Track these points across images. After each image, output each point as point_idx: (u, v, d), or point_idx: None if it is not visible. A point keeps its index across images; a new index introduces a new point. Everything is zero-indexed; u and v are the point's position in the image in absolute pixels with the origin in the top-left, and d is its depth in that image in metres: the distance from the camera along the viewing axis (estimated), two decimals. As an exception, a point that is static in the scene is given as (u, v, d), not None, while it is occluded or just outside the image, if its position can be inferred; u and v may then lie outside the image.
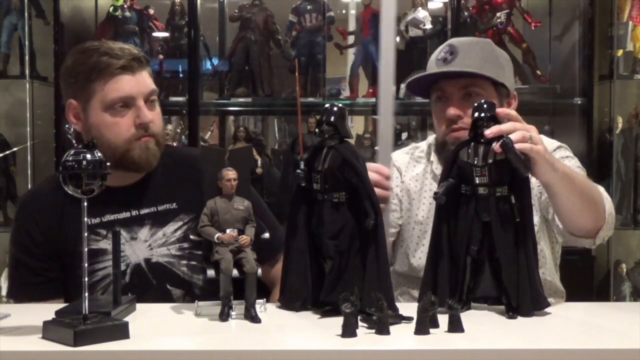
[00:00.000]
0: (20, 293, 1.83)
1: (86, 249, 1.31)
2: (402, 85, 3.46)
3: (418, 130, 3.60)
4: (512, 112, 1.57)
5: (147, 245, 1.81)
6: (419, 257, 1.94)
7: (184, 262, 1.81)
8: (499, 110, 1.52)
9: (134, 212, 1.81)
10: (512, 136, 1.47)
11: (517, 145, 1.46)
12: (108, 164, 1.29)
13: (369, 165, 1.60)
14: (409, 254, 1.96)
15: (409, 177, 2.02)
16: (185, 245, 1.81)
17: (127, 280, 1.78)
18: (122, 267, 1.76)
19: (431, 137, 2.04)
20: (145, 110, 1.76)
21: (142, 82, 1.77)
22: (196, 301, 1.46)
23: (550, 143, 1.85)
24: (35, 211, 1.82)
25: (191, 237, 1.52)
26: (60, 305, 1.46)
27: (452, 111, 1.87)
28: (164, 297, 1.77)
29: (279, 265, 1.56)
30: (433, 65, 1.93)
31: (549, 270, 1.92)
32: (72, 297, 1.74)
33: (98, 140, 1.71)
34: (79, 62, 1.79)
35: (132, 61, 1.76)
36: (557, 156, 1.78)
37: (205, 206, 1.45)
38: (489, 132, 1.48)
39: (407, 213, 1.98)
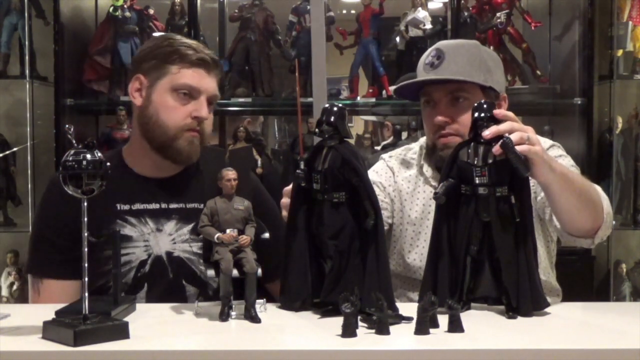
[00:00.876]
0: (41, 269, 1.83)
1: (86, 249, 1.31)
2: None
3: (418, 130, 3.60)
4: (509, 113, 1.57)
5: (171, 239, 1.82)
6: (414, 257, 1.93)
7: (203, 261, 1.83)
8: (496, 111, 1.52)
9: (163, 205, 1.83)
10: (511, 137, 1.47)
11: (519, 147, 1.46)
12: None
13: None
14: (403, 254, 1.96)
15: (401, 177, 2.02)
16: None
17: (147, 270, 1.80)
18: (144, 256, 1.80)
19: (423, 139, 2.04)
20: (205, 107, 1.83)
21: (211, 83, 1.85)
22: (196, 301, 1.47)
23: (543, 142, 1.85)
24: (64, 190, 1.84)
25: (191, 237, 1.52)
26: (59, 306, 1.45)
27: (439, 118, 1.87)
28: (178, 292, 1.78)
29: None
30: (421, 70, 1.94)
31: (543, 270, 1.91)
32: (89, 280, 1.75)
33: (152, 119, 1.81)
34: (163, 44, 1.86)
35: (211, 61, 1.85)
36: (550, 155, 1.78)
37: (205, 206, 1.46)
38: (487, 132, 1.48)
39: (399, 213, 1.99)
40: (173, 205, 1.84)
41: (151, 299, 1.78)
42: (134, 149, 1.89)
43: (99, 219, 1.78)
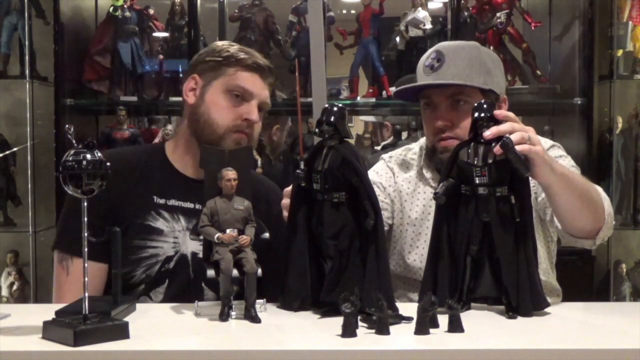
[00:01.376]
0: (73, 246, 1.81)
1: (86, 249, 1.31)
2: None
3: (418, 130, 3.61)
4: (510, 113, 1.57)
5: (199, 239, 1.82)
6: (414, 258, 1.93)
7: None
8: (496, 112, 1.52)
9: (197, 206, 1.83)
10: (511, 137, 1.47)
11: (520, 148, 1.46)
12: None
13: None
14: (404, 255, 1.96)
15: (401, 178, 2.01)
16: None
17: (171, 267, 1.81)
18: (171, 253, 1.81)
19: (422, 140, 2.04)
20: (255, 110, 1.86)
21: (264, 90, 1.89)
22: (196, 301, 1.47)
23: (543, 142, 1.85)
24: (113, 171, 1.85)
25: (190, 237, 1.52)
26: (59, 306, 1.45)
27: (440, 122, 1.87)
28: (196, 294, 1.77)
29: None
30: (421, 72, 1.94)
31: (543, 270, 1.91)
32: (110, 266, 1.76)
33: (203, 117, 1.85)
34: (223, 49, 1.91)
35: (266, 68, 1.90)
36: (551, 155, 1.78)
37: (205, 206, 1.46)
38: (488, 133, 1.48)
39: (399, 214, 1.98)
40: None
41: (169, 296, 1.79)
42: (179, 146, 1.92)
43: (134, 207, 1.82)
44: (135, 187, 1.85)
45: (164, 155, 1.92)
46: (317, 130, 1.52)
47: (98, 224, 1.78)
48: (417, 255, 1.93)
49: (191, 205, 1.85)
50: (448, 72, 1.87)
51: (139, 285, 1.80)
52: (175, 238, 1.82)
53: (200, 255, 1.81)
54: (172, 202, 1.85)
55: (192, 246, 1.82)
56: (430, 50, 1.96)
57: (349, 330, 1.26)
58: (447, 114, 1.87)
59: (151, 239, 1.82)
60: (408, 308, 1.40)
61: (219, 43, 1.98)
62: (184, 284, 1.81)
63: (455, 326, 1.31)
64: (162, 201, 1.85)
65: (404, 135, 3.77)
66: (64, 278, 1.83)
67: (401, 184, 2.01)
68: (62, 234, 1.88)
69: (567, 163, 1.84)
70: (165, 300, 1.78)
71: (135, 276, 1.79)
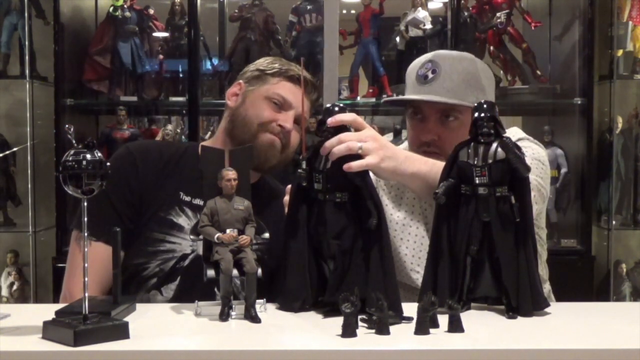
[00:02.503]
0: (100, 230, 1.79)
1: (86, 249, 1.31)
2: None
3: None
4: (350, 118, 1.53)
5: (199, 240, 1.82)
6: (403, 260, 1.91)
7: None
8: (329, 121, 1.51)
9: None
10: (336, 150, 1.47)
11: (344, 167, 1.45)
12: None
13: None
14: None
15: (383, 182, 1.97)
16: None
17: (185, 265, 1.81)
18: (188, 251, 1.82)
19: (405, 144, 1.99)
20: (291, 119, 1.89)
21: (304, 101, 1.88)
22: (196, 301, 1.46)
23: (513, 134, 1.79)
24: (139, 161, 1.89)
25: (190, 237, 1.52)
26: (59, 306, 1.45)
27: (429, 136, 1.85)
28: (208, 296, 1.77)
29: None
30: (413, 80, 1.90)
31: None
32: (129, 257, 1.80)
33: (240, 116, 1.90)
34: (274, 63, 1.97)
35: (310, 83, 1.94)
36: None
37: (205, 206, 1.45)
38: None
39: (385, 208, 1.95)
40: None
41: (180, 295, 1.78)
42: (214, 145, 1.91)
43: (160, 199, 1.84)
44: (165, 180, 1.87)
45: (197, 154, 1.92)
46: (318, 130, 1.52)
47: (123, 208, 1.85)
48: (406, 257, 1.91)
49: None
50: (442, 86, 1.84)
51: (151, 278, 1.80)
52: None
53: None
54: (197, 201, 1.85)
55: None
56: (424, 58, 1.91)
57: (349, 330, 1.26)
58: (436, 128, 1.85)
59: (171, 234, 1.83)
60: (408, 308, 1.40)
61: (270, 58, 2.03)
62: (196, 285, 1.78)
63: (455, 326, 1.31)
64: (187, 198, 1.86)
65: (405, 134, 3.77)
66: (78, 257, 1.84)
67: (384, 187, 1.98)
68: (91, 217, 1.87)
69: (529, 154, 1.75)
70: (175, 298, 1.79)
71: (149, 268, 1.80)
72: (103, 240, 1.80)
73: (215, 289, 1.78)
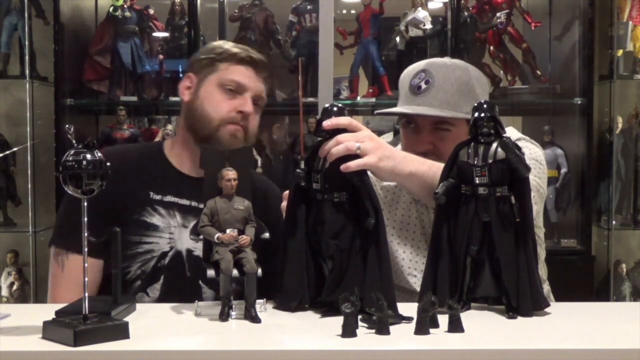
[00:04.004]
0: (70, 242, 1.81)
1: (86, 249, 1.31)
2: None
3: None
4: (346, 121, 1.52)
5: (198, 239, 1.82)
6: (400, 264, 1.91)
7: None
8: (325, 124, 1.50)
9: (194, 204, 1.85)
10: (334, 150, 1.47)
11: (342, 167, 1.45)
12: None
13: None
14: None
15: (379, 186, 1.95)
16: None
17: (166, 263, 1.81)
18: (167, 248, 1.82)
19: (398, 148, 1.95)
20: (249, 102, 1.86)
21: (258, 83, 1.89)
22: (196, 301, 1.46)
23: (509, 133, 1.79)
24: (113, 168, 1.84)
25: (190, 237, 1.52)
26: (59, 306, 1.45)
27: (424, 147, 1.84)
28: (194, 292, 1.77)
29: None
30: (406, 89, 1.88)
31: None
32: (109, 264, 1.78)
33: (198, 111, 1.86)
34: (218, 47, 1.93)
35: (259, 61, 1.90)
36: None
37: (205, 206, 1.45)
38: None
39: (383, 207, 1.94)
40: (203, 205, 1.85)
41: (167, 294, 1.79)
42: (177, 143, 1.93)
43: (131, 203, 1.83)
44: (133, 183, 1.86)
45: (162, 152, 1.93)
46: (317, 130, 1.52)
47: (96, 221, 1.79)
48: (405, 253, 1.91)
49: (187, 202, 1.86)
50: (436, 97, 1.83)
51: (135, 281, 1.80)
52: (170, 234, 1.83)
53: (196, 253, 1.81)
54: (168, 198, 1.85)
55: (188, 243, 1.82)
56: (418, 67, 1.90)
57: (349, 330, 1.26)
58: (431, 138, 1.85)
59: (147, 235, 1.82)
60: (408, 308, 1.40)
61: (215, 42, 2.01)
62: (180, 282, 1.81)
63: (455, 326, 1.31)
64: (158, 197, 1.85)
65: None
66: (60, 274, 1.85)
67: (379, 192, 1.95)
68: (60, 230, 1.89)
69: (527, 155, 1.70)
70: (162, 297, 1.79)
71: (131, 272, 1.80)
72: (80, 253, 1.79)
73: (201, 282, 1.80)
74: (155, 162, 1.90)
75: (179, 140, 1.93)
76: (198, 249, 1.81)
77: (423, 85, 1.85)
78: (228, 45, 1.92)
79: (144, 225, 1.82)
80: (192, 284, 1.81)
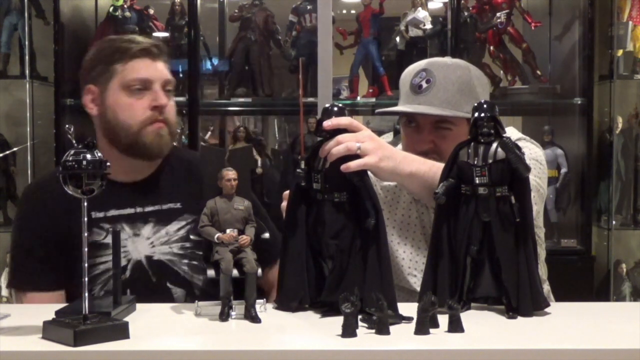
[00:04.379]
0: (24, 283, 1.81)
1: (86, 249, 1.31)
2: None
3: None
4: (346, 121, 1.52)
5: (150, 242, 1.82)
6: (400, 264, 1.91)
7: (185, 261, 1.83)
8: (326, 124, 1.50)
9: (139, 209, 1.83)
10: (334, 150, 1.46)
11: (342, 167, 1.45)
12: (110, 162, 1.30)
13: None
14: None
15: (379, 186, 1.94)
16: (188, 244, 1.82)
17: (128, 276, 1.79)
18: (124, 262, 1.77)
19: (399, 148, 1.96)
20: (161, 94, 1.81)
21: (160, 68, 1.83)
22: (196, 301, 1.46)
23: (510, 133, 1.80)
24: (42, 200, 1.83)
25: (191, 237, 1.52)
26: (59, 306, 1.45)
27: (424, 146, 1.84)
28: (164, 295, 1.77)
29: (276, 268, 1.57)
30: (407, 89, 1.89)
31: None
32: (74, 289, 1.75)
33: (112, 122, 1.79)
34: (102, 48, 1.85)
35: (152, 47, 1.82)
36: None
37: (205, 206, 1.45)
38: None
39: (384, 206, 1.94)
40: (149, 209, 1.83)
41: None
42: (102, 154, 1.87)
43: (75, 228, 1.74)
44: (73, 206, 1.78)
45: None
46: (317, 130, 1.52)
47: (48, 254, 1.79)
48: (405, 253, 1.91)
49: (132, 210, 1.82)
50: (437, 96, 1.83)
51: None
52: (123, 247, 1.78)
53: (156, 257, 1.81)
54: (111, 212, 1.81)
55: (144, 250, 1.81)
56: (418, 67, 1.90)
57: (349, 330, 1.26)
58: (431, 137, 1.85)
59: (100, 255, 1.79)
60: (408, 308, 1.40)
61: (100, 41, 1.91)
62: (147, 289, 1.78)
63: (455, 326, 1.31)
64: (101, 214, 1.80)
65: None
66: None
67: (379, 192, 1.95)
68: (12, 272, 1.87)
69: (527, 154, 1.70)
70: None
71: (95, 294, 1.78)
72: (37, 290, 1.79)
73: (168, 284, 1.80)
74: None
75: (105, 154, 1.83)
76: (157, 253, 1.81)
77: (424, 85, 1.85)
78: (116, 43, 1.83)
79: (95, 246, 1.77)
80: (160, 288, 1.79)
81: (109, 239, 1.78)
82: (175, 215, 1.84)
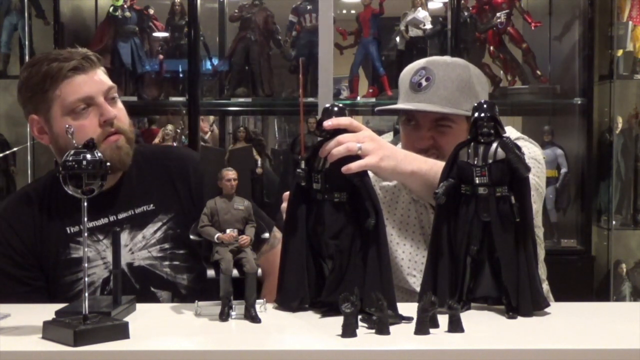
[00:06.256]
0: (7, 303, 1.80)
1: (86, 249, 1.31)
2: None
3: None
4: (347, 122, 1.51)
5: (128, 249, 1.79)
6: (400, 264, 1.91)
7: (166, 262, 1.81)
8: (326, 124, 1.49)
9: (112, 218, 1.79)
10: (335, 151, 1.46)
11: (343, 168, 1.45)
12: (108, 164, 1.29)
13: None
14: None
15: (378, 186, 1.94)
16: (166, 245, 1.80)
17: (112, 287, 1.77)
18: (106, 274, 1.77)
19: (399, 147, 1.93)
20: (107, 107, 1.73)
21: (98, 80, 1.75)
22: (196, 301, 1.46)
23: (509, 132, 1.80)
24: (12, 222, 1.79)
25: (191, 237, 1.52)
26: (59, 306, 1.45)
27: (424, 143, 1.84)
28: (149, 300, 1.74)
29: (275, 251, 1.54)
30: (407, 87, 1.89)
31: None
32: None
33: (67, 148, 1.63)
34: (31, 75, 1.76)
35: (83, 61, 1.74)
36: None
37: (205, 206, 1.45)
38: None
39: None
40: (122, 215, 1.80)
41: None
42: None
43: (52, 245, 1.76)
44: (45, 224, 1.77)
45: (57, 183, 1.79)
46: (317, 130, 1.52)
47: (29, 274, 1.76)
48: (405, 253, 1.91)
49: (106, 220, 1.79)
50: (437, 94, 1.83)
51: None
52: (103, 259, 1.77)
53: (136, 263, 1.79)
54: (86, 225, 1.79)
55: (124, 258, 1.76)
56: (418, 65, 1.90)
57: (349, 330, 1.26)
58: (431, 136, 1.85)
59: (80, 270, 1.75)
60: (408, 308, 1.40)
61: (26, 67, 1.81)
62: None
63: (455, 326, 1.31)
64: (75, 229, 1.77)
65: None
66: None
67: (378, 192, 1.95)
68: None
69: (526, 154, 1.68)
70: None
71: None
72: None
73: (152, 288, 1.78)
74: (58, 194, 1.75)
75: None
76: (136, 259, 1.79)
77: (423, 83, 1.85)
78: (43, 67, 1.72)
79: (74, 262, 1.75)
80: (145, 293, 1.77)
81: (89, 253, 1.75)
82: (150, 217, 1.80)
